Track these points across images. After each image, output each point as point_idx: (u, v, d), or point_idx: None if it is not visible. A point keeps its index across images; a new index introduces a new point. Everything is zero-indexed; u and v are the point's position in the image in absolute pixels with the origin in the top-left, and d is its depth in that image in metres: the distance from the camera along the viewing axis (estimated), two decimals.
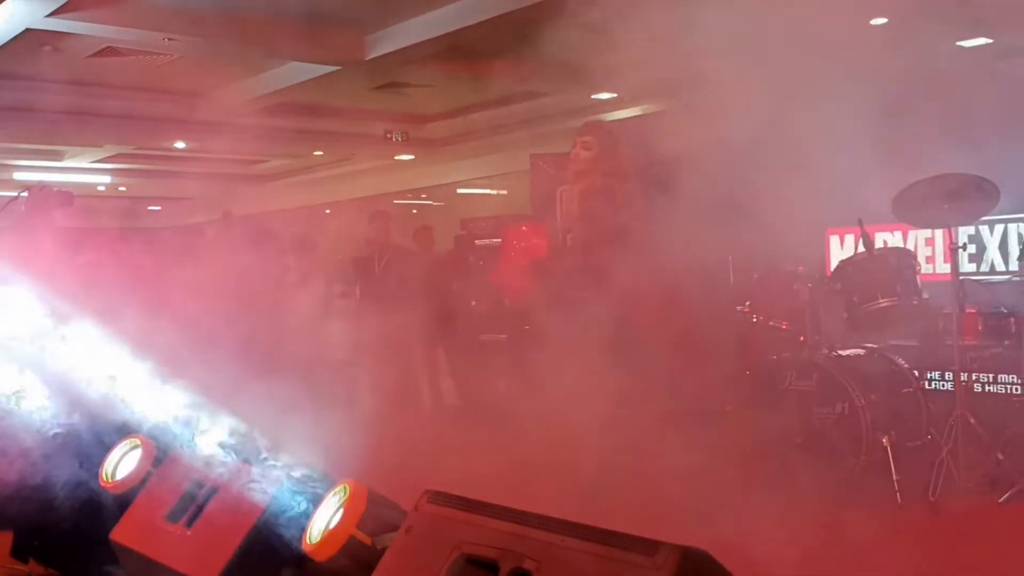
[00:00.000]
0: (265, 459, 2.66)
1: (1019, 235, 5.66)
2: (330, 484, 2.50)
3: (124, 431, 3.21)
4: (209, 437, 2.88)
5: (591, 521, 1.87)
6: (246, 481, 2.64)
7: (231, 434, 2.82)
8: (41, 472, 3.30)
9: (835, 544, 3.97)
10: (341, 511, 2.39)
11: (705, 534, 2.07)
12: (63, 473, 3.29)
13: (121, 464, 3.14)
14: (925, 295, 5.11)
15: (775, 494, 4.79)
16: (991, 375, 5.36)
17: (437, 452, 5.26)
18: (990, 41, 7.48)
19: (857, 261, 5.24)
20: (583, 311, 4.99)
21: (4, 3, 7.59)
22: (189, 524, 2.77)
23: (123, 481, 3.09)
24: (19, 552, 3.53)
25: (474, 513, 2.09)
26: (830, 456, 4.75)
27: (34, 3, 7.65)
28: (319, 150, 15.99)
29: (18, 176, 15.51)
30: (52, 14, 7.81)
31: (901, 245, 5.97)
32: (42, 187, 4.93)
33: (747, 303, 5.53)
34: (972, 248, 5.83)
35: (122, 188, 18.74)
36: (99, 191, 18.47)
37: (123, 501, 3.06)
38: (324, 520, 2.43)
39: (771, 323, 5.44)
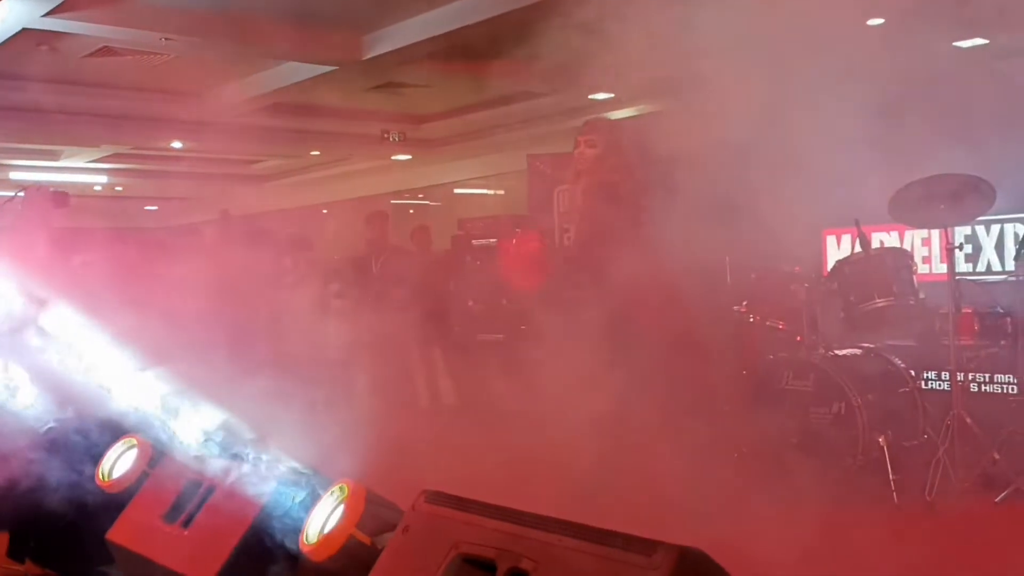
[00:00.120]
0: (262, 459, 2.66)
1: (1015, 235, 5.67)
2: (327, 484, 2.50)
3: (120, 431, 3.21)
4: (206, 437, 2.87)
5: (588, 521, 1.87)
6: (242, 481, 2.63)
7: (228, 434, 2.82)
8: (37, 472, 3.30)
9: (832, 544, 3.97)
10: (340, 511, 2.39)
11: (702, 533, 2.07)
12: (59, 473, 3.29)
13: (117, 464, 3.13)
14: (922, 295, 5.11)
15: (772, 494, 4.80)
16: (987, 375, 5.37)
17: (434, 452, 5.26)
18: (987, 42, 7.49)
19: (854, 261, 5.25)
20: (582, 310, 4.98)
21: (0, 3, 7.58)
22: (186, 524, 2.77)
23: (119, 480, 3.09)
24: (15, 552, 3.52)
25: (471, 513, 2.09)
26: (827, 456, 4.75)
27: (31, 3, 7.65)
28: (316, 150, 15.99)
29: (15, 176, 15.49)
30: (48, 14, 7.81)
31: (898, 245, 5.97)
32: (38, 187, 4.93)
33: (744, 303, 5.53)
34: (968, 248, 5.83)
35: (119, 188, 18.73)
36: (96, 191, 18.45)
37: (119, 501, 3.05)
38: (321, 520, 2.42)
39: (768, 323, 5.44)
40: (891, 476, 4.60)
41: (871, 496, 4.61)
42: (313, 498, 2.49)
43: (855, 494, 4.61)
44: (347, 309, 8.07)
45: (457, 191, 17.49)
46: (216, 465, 2.76)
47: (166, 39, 8.65)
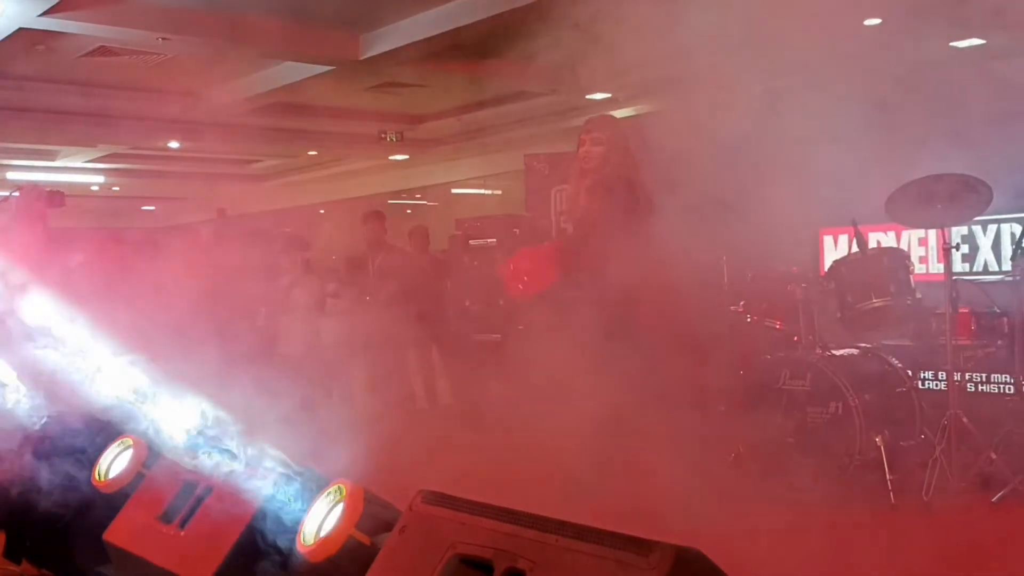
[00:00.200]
0: (258, 459, 2.65)
1: (1012, 235, 5.67)
2: (323, 484, 2.50)
3: (116, 431, 3.20)
4: (202, 437, 2.87)
5: (585, 521, 1.87)
6: (239, 481, 2.63)
7: (224, 434, 2.81)
8: (33, 472, 3.29)
9: (829, 543, 3.97)
10: (339, 511, 2.38)
11: (699, 533, 2.07)
12: (56, 473, 3.28)
13: (114, 464, 3.13)
14: (918, 295, 5.12)
15: (769, 494, 4.80)
16: (984, 375, 5.38)
17: (431, 452, 5.25)
18: (983, 42, 7.51)
19: (851, 261, 5.25)
20: (581, 310, 4.97)
21: None
22: (182, 525, 2.77)
23: (115, 481, 3.08)
24: (12, 553, 3.52)
25: (468, 513, 2.09)
26: (824, 456, 4.75)
27: (27, 2, 7.63)
28: (313, 150, 15.98)
29: (11, 176, 15.47)
30: (45, 13, 7.80)
31: (894, 245, 5.98)
32: (33, 187, 4.92)
33: (741, 303, 5.53)
34: (965, 248, 5.85)
35: (116, 188, 18.71)
36: (93, 191, 18.43)
37: (116, 501, 3.05)
38: (318, 520, 2.42)
39: (765, 323, 5.45)
40: (888, 476, 4.60)
41: (868, 496, 4.61)
42: (310, 498, 2.49)
43: (852, 494, 4.61)
44: (343, 309, 8.08)
45: (454, 191, 17.49)
46: (212, 465, 2.75)
47: (163, 39, 8.64)
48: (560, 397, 4.66)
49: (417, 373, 8.27)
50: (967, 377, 5.33)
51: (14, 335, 3.42)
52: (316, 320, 7.91)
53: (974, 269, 5.92)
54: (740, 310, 5.52)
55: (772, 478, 4.90)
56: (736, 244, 5.43)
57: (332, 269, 8.48)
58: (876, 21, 5.69)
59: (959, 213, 4.80)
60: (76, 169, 16.44)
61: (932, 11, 5.13)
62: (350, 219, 10.18)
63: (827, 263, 6.06)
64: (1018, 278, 4.94)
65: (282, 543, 2.49)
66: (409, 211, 18.83)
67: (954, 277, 4.94)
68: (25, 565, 3.50)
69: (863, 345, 5.31)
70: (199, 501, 2.77)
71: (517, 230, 9.37)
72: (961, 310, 5.09)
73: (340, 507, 2.39)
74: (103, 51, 9.46)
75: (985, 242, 5.88)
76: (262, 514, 2.55)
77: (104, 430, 3.26)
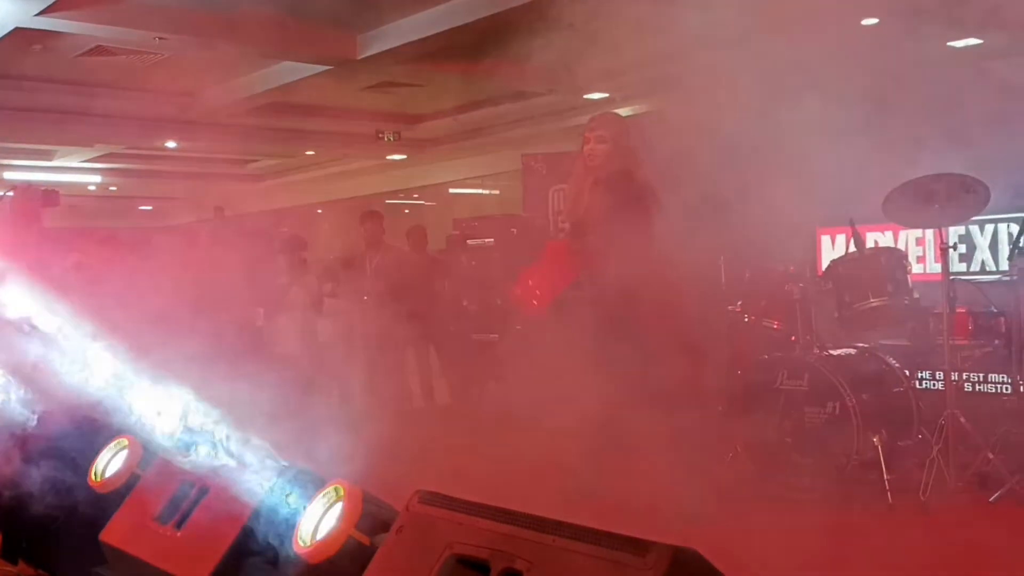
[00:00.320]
0: (254, 459, 2.65)
1: (1009, 235, 5.67)
2: (320, 484, 2.49)
3: (113, 431, 3.20)
4: (198, 437, 2.86)
5: (582, 521, 1.87)
6: (235, 482, 2.62)
7: (221, 434, 2.80)
8: (29, 472, 3.28)
9: (826, 543, 3.97)
10: (338, 511, 2.38)
11: (696, 534, 2.07)
12: (52, 473, 3.28)
13: (110, 464, 3.12)
14: (916, 295, 5.12)
15: (766, 494, 4.81)
16: (981, 374, 5.38)
17: (428, 451, 5.26)
18: (980, 42, 7.51)
19: (848, 261, 5.25)
20: (580, 309, 4.97)
21: None
22: (179, 525, 2.76)
23: (111, 481, 3.08)
24: (8, 553, 3.51)
25: (465, 513, 2.09)
26: (821, 456, 4.75)
27: (24, 2, 7.62)
28: (311, 150, 15.98)
29: (8, 176, 15.46)
30: (42, 13, 7.78)
31: (892, 245, 5.98)
32: (28, 186, 4.90)
33: (738, 303, 5.53)
34: (962, 248, 5.85)
35: (113, 188, 18.70)
36: (90, 191, 18.42)
37: (112, 501, 3.04)
38: (315, 521, 2.41)
39: (762, 323, 5.45)
40: (885, 476, 4.61)
41: (865, 496, 4.61)
42: (306, 498, 2.48)
43: (850, 494, 4.61)
44: (341, 308, 8.07)
45: (452, 191, 17.49)
46: (208, 466, 2.75)
47: (160, 38, 8.63)
48: (557, 397, 4.66)
49: (415, 373, 8.27)
50: (964, 377, 5.33)
51: (4, 332, 3.41)
52: (313, 319, 7.90)
53: (971, 269, 5.92)
54: (737, 310, 5.52)
55: (770, 478, 4.90)
56: (733, 244, 5.43)
57: (329, 269, 8.47)
58: (873, 21, 5.70)
59: (956, 213, 4.80)
60: (73, 169, 16.43)
61: (929, 11, 5.12)
62: (348, 219, 10.19)
63: (824, 263, 6.07)
64: (1015, 278, 4.94)
65: (279, 543, 2.49)
66: (407, 211, 18.83)
67: (951, 277, 4.94)
68: (21, 565, 3.50)
69: (860, 345, 5.32)
70: (195, 501, 2.77)
71: (515, 230, 9.38)
72: (958, 310, 5.09)
73: (338, 507, 2.39)
74: (100, 51, 9.45)
75: (982, 242, 5.89)
76: (258, 514, 2.54)
77: (100, 430, 3.25)
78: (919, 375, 5.50)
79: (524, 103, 11.87)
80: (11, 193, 4.82)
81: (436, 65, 9.91)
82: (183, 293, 4.60)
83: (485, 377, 8.20)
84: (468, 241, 9.60)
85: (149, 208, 20.94)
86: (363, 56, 9.40)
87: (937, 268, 5.04)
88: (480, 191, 17.14)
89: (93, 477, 3.15)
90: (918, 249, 6.11)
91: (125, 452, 3.12)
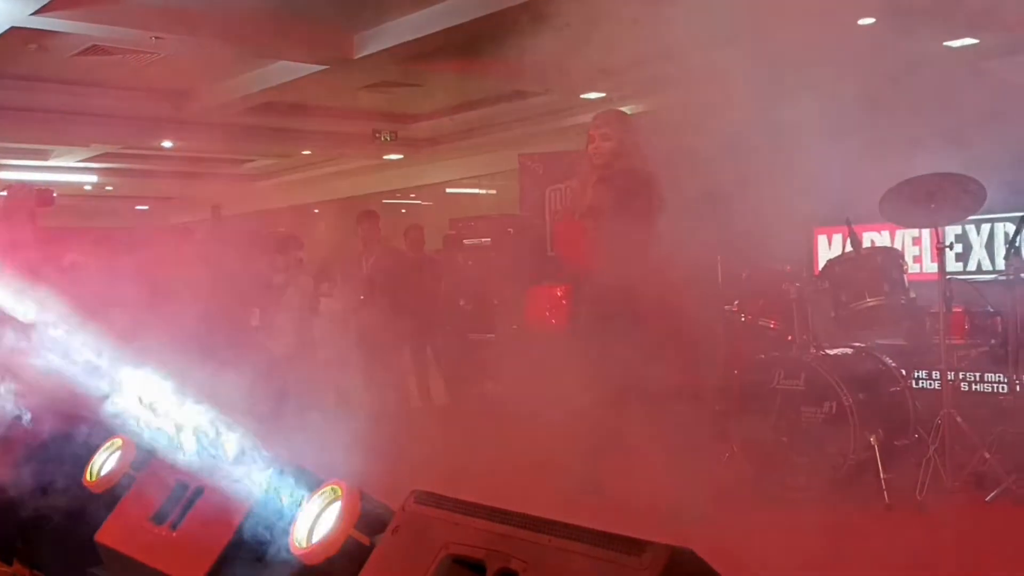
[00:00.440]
0: (250, 459, 2.64)
1: (1005, 234, 5.67)
2: (317, 484, 2.49)
3: (108, 431, 3.19)
4: (194, 437, 2.86)
5: (579, 521, 1.86)
6: (231, 482, 2.62)
7: (216, 434, 2.80)
8: (24, 473, 3.28)
9: (823, 543, 3.97)
10: (336, 512, 2.37)
11: (692, 533, 2.07)
12: (48, 474, 3.27)
13: (105, 464, 3.11)
14: (912, 294, 5.12)
15: (763, 493, 4.81)
16: (978, 374, 5.39)
17: (425, 451, 5.25)
18: (977, 41, 7.51)
19: (845, 260, 5.26)
20: (580, 309, 4.97)
21: None
22: (174, 526, 2.75)
23: (106, 481, 3.07)
24: (3, 553, 3.51)
25: (461, 513, 2.08)
26: (818, 455, 4.75)
27: (19, 1, 7.60)
28: (307, 149, 15.96)
29: (3, 175, 15.43)
30: (37, 12, 7.76)
31: (888, 244, 5.98)
32: (22, 186, 4.88)
33: (735, 302, 5.54)
34: (959, 247, 5.85)
35: (109, 187, 18.67)
36: (86, 190, 18.40)
37: (108, 502, 3.04)
38: (311, 521, 2.41)
39: (759, 322, 5.45)
40: (882, 475, 4.61)
41: (862, 495, 4.62)
42: (302, 499, 2.48)
43: (846, 494, 4.61)
44: (337, 308, 8.06)
45: (449, 191, 17.48)
46: (204, 466, 2.74)
47: (156, 38, 8.61)
48: (554, 397, 4.66)
49: (411, 372, 8.27)
50: (961, 376, 5.33)
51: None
52: (310, 319, 7.89)
53: (968, 268, 5.92)
54: (734, 309, 5.53)
55: (766, 478, 4.91)
56: (730, 243, 5.43)
57: (326, 268, 8.46)
58: (870, 20, 5.70)
59: (953, 212, 4.81)
60: (69, 168, 16.40)
61: (925, 11, 5.13)
62: (344, 218, 10.18)
63: (821, 262, 6.07)
64: (1011, 277, 4.94)
65: (275, 544, 2.48)
66: (403, 210, 18.82)
67: (948, 276, 4.95)
68: (17, 566, 3.49)
69: (857, 344, 5.32)
70: (190, 502, 2.76)
71: (511, 229, 9.39)
72: (955, 309, 5.10)
73: (336, 507, 2.38)
74: (96, 50, 9.43)
75: (979, 241, 5.89)
76: (254, 515, 2.53)
77: (95, 430, 3.25)
78: (915, 375, 5.50)
79: (521, 103, 11.87)
80: (4, 193, 4.80)
81: (433, 65, 9.90)
82: (179, 293, 4.59)
83: (482, 376, 8.21)
84: (465, 241, 9.61)
85: (145, 208, 20.91)
86: (359, 56, 9.39)
87: (933, 268, 5.04)
88: (477, 191, 17.13)
89: (88, 477, 3.14)
90: (914, 249, 6.11)
91: (121, 452, 3.11)
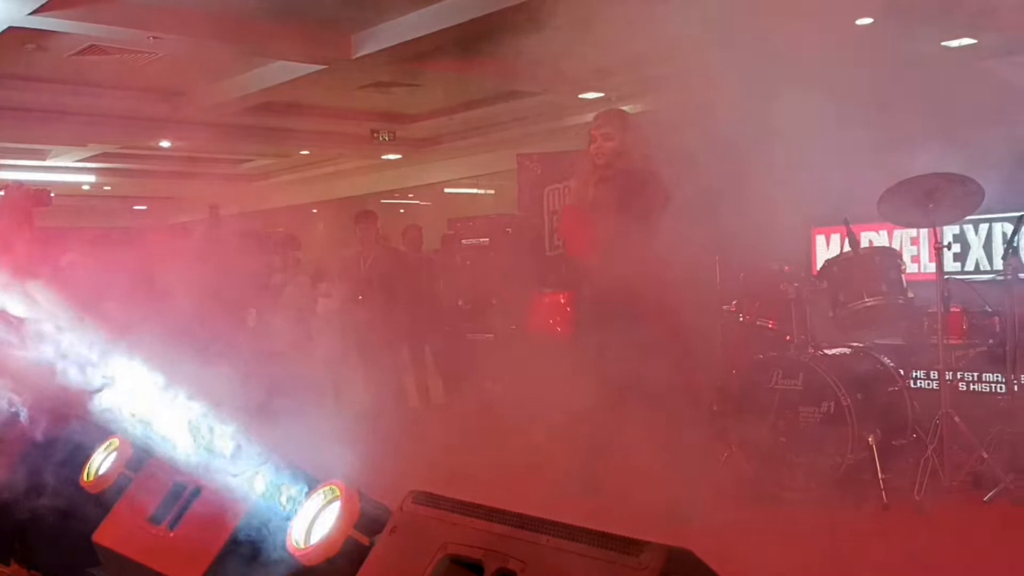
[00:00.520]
0: (248, 459, 2.64)
1: (1003, 234, 5.67)
2: (314, 484, 2.48)
3: (105, 431, 3.18)
4: (192, 438, 2.85)
5: (576, 521, 1.86)
6: (228, 482, 2.61)
7: (214, 434, 2.79)
8: (22, 473, 3.27)
9: (820, 543, 3.98)
10: (335, 512, 2.36)
11: (690, 533, 2.07)
12: (44, 474, 3.27)
13: (102, 465, 3.11)
14: (910, 294, 5.12)
15: (761, 493, 4.81)
16: (976, 374, 5.39)
17: (423, 451, 5.25)
18: (975, 41, 7.52)
19: (843, 260, 5.25)
20: (580, 308, 4.96)
21: None
22: (172, 526, 2.75)
23: (103, 481, 3.07)
24: (1, 554, 3.50)
25: (459, 513, 2.08)
26: (816, 455, 4.75)
27: (17, 1, 7.59)
28: (305, 149, 15.95)
29: (1, 175, 15.41)
30: (35, 12, 7.76)
31: (886, 244, 5.98)
32: (19, 186, 4.87)
33: (733, 302, 5.54)
34: (957, 247, 5.85)
35: (107, 187, 18.66)
36: (84, 190, 18.38)
37: (105, 502, 3.03)
38: (309, 521, 2.40)
39: (757, 322, 5.45)
40: (880, 475, 4.61)
41: (860, 495, 4.62)
42: (301, 499, 2.47)
43: (844, 493, 4.61)
44: (335, 308, 8.06)
45: (447, 190, 17.48)
46: (201, 466, 2.74)
47: (154, 38, 8.61)
48: (552, 397, 4.65)
49: (409, 372, 8.26)
50: (959, 376, 5.33)
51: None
52: (308, 319, 7.89)
53: (965, 268, 5.93)
54: (732, 309, 5.53)
55: (764, 478, 4.91)
56: (728, 244, 5.43)
57: (323, 268, 8.47)
58: (868, 20, 5.70)
59: (951, 212, 4.81)
60: (67, 168, 16.38)
61: (924, 10, 5.14)
62: (342, 219, 10.17)
63: (819, 262, 6.07)
64: (1009, 277, 4.94)
65: (272, 544, 2.48)
66: (402, 210, 18.82)
67: (946, 276, 4.95)
68: (15, 566, 3.49)
69: (855, 344, 5.32)
70: (188, 502, 2.76)
71: (509, 229, 9.38)
72: (953, 309, 5.10)
73: (335, 508, 2.38)
74: (94, 50, 9.43)
75: (976, 241, 5.89)
76: (252, 515, 2.53)
77: (93, 430, 3.24)
78: (914, 374, 5.50)
79: (519, 103, 11.87)
80: (0, 193, 4.79)
81: (431, 64, 9.90)
82: (176, 291, 4.58)
83: (480, 376, 8.20)
84: (463, 241, 9.60)
85: (143, 208, 20.89)
86: (357, 55, 9.38)
87: (931, 268, 5.05)
88: (475, 191, 17.13)
89: (85, 477, 3.14)
90: (912, 248, 6.12)
91: (118, 453, 3.11)
